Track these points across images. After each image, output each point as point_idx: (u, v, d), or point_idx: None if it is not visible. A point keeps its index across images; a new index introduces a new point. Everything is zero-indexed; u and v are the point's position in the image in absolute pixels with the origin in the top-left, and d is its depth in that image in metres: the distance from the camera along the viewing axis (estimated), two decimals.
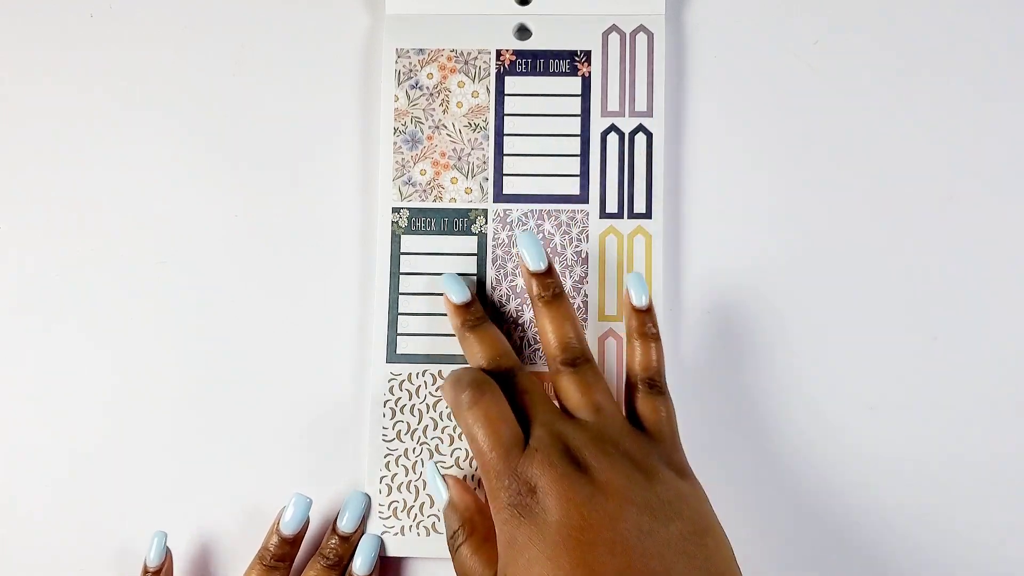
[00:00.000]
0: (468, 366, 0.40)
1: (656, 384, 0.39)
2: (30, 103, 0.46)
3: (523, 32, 0.45)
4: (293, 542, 0.41)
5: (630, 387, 0.40)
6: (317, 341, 0.44)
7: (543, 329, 0.40)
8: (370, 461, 0.43)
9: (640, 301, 0.40)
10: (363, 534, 0.42)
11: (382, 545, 0.42)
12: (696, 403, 0.43)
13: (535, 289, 0.40)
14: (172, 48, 0.46)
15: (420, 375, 0.43)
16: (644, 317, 0.40)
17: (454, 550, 0.38)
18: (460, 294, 0.41)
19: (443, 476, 0.41)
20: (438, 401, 0.43)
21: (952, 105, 0.45)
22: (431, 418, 0.43)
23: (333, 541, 0.41)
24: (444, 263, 0.44)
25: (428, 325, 0.43)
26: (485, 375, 0.38)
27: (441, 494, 0.40)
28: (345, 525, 0.41)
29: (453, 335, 0.43)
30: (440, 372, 0.43)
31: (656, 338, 0.40)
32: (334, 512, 0.43)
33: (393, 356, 0.43)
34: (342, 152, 0.46)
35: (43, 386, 0.45)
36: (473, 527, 0.38)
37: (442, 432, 0.43)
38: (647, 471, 0.35)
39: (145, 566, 0.41)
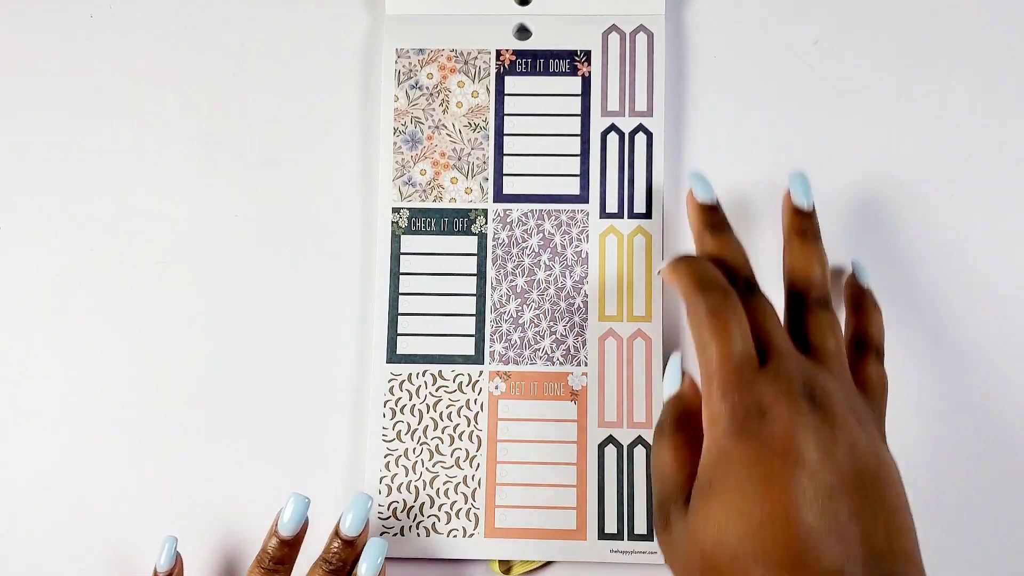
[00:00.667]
0: (707, 262, 0.37)
1: (826, 301, 0.38)
2: (30, 103, 0.46)
3: (523, 32, 0.45)
4: (292, 544, 0.40)
5: (792, 303, 0.38)
6: (317, 341, 0.44)
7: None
8: (370, 461, 0.42)
9: (800, 201, 0.39)
10: (367, 538, 0.41)
11: (390, 550, 0.41)
12: None
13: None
14: (172, 48, 0.46)
15: (420, 375, 0.43)
16: (803, 220, 0.39)
17: (655, 439, 0.37)
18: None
19: (684, 372, 0.38)
20: (438, 401, 0.43)
21: (952, 105, 0.45)
22: (431, 418, 0.43)
23: (336, 545, 0.40)
24: (444, 263, 0.44)
25: (428, 325, 0.43)
26: (729, 284, 0.36)
27: (675, 384, 0.38)
28: (348, 528, 0.40)
29: (453, 335, 0.43)
30: (440, 372, 0.43)
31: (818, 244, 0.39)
32: (334, 513, 0.43)
33: (393, 356, 0.43)
34: (342, 152, 0.46)
35: (41, 386, 0.44)
36: (682, 427, 0.36)
37: (442, 432, 0.43)
38: (868, 431, 0.34)
39: (155, 571, 0.41)
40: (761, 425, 0.33)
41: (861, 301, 0.41)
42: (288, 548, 0.40)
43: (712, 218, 0.39)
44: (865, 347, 0.39)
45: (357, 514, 0.40)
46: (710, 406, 0.34)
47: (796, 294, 0.38)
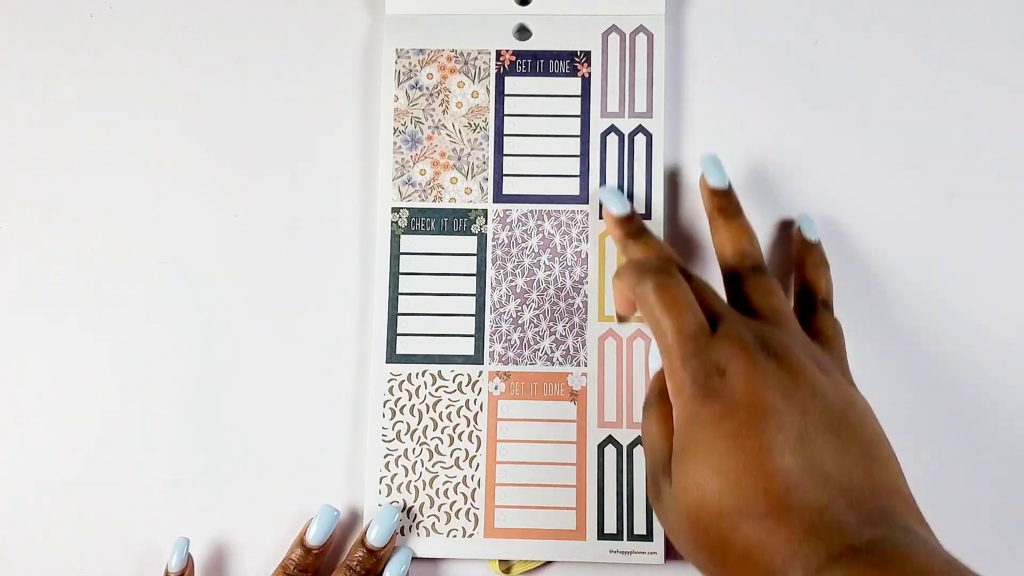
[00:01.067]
0: (646, 256, 0.40)
1: (760, 267, 0.40)
2: (30, 103, 0.46)
3: (523, 32, 0.45)
4: (318, 553, 0.41)
5: (729, 277, 0.40)
6: (317, 341, 0.44)
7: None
8: (370, 461, 0.42)
9: (716, 182, 0.41)
10: (392, 546, 0.41)
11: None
12: None
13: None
14: (172, 48, 0.46)
15: (420, 375, 0.43)
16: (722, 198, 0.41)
17: (644, 414, 0.38)
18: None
19: None
20: (438, 401, 0.43)
21: (952, 104, 0.45)
22: (431, 418, 0.43)
23: (360, 553, 0.40)
24: (444, 263, 0.44)
25: (428, 325, 0.43)
26: (670, 263, 0.37)
27: (655, 362, 0.39)
28: (375, 540, 0.40)
29: (452, 335, 0.43)
30: (440, 372, 0.43)
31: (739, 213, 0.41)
32: (345, 518, 0.43)
33: (393, 356, 0.43)
34: (342, 152, 0.46)
35: (42, 387, 0.45)
36: (667, 399, 0.36)
37: (442, 432, 0.43)
38: (831, 374, 0.35)
39: (167, 572, 0.41)
40: (723, 383, 0.33)
41: (806, 256, 0.42)
42: (313, 558, 0.40)
43: (630, 228, 0.41)
44: (812, 300, 0.40)
45: (384, 526, 0.41)
46: (673, 377, 0.35)
47: (731, 268, 0.40)
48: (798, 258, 0.42)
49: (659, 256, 0.40)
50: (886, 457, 0.33)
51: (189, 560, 0.41)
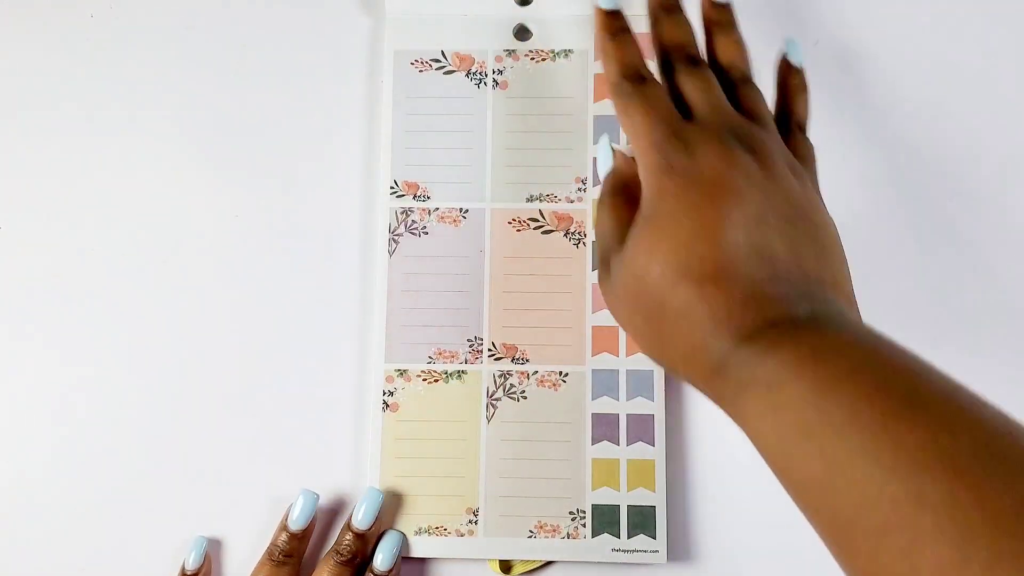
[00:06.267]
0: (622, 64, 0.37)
1: (749, 80, 0.38)
2: (30, 103, 0.46)
3: (523, 33, 0.45)
4: (301, 537, 0.41)
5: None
6: (318, 340, 0.44)
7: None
8: (369, 458, 0.42)
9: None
10: (380, 531, 0.41)
11: (405, 543, 0.41)
12: (697, 394, 0.43)
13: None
14: (173, 48, 0.47)
15: (418, 371, 0.42)
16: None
17: (597, 211, 0.37)
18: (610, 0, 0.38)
19: (614, 149, 0.39)
20: (436, 397, 0.42)
21: (953, 104, 0.45)
22: (429, 414, 0.42)
23: (348, 538, 0.40)
24: (443, 261, 0.43)
25: (427, 321, 0.43)
26: (641, 72, 0.36)
27: (608, 160, 0.38)
28: (359, 522, 0.40)
29: (451, 326, 0.43)
30: (438, 368, 0.42)
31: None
32: (336, 508, 0.42)
33: (392, 353, 0.43)
34: (342, 151, 0.45)
35: (43, 386, 0.44)
36: (618, 193, 0.36)
37: (440, 429, 0.42)
38: (802, 181, 0.34)
39: (183, 570, 0.41)
40: (691, 162, 0.33)
41: (788, 79, 0.39)
42: (297, 542, 0.40)
43: (614, 25, 0.38)
44: (788, 122, 0.38)
45: (369, 508, 0.40)
46: (644, 160, 0.34)
47: (721, 78, 0.38)
48: (780, 81, 0.40)
49: (636, 64, 0.37)
50: (838, 261, 0.34)
51: (207, 559, 0.41)
